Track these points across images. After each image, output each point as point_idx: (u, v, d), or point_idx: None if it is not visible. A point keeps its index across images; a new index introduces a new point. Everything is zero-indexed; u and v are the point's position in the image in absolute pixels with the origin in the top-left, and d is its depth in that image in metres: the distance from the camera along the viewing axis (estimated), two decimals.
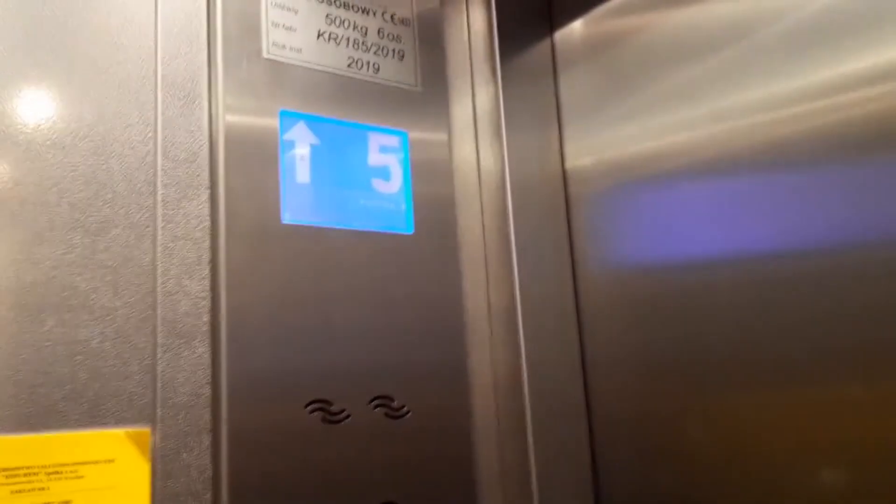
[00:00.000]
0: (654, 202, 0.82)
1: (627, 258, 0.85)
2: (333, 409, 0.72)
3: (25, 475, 0.58)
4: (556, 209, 0.92)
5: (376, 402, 0.75)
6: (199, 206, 0.70)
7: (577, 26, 0.94)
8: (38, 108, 0.64)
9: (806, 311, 0.67)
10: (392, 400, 0.76)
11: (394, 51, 0.85)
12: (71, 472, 0.60)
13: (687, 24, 0.79)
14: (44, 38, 0.66)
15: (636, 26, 0.85)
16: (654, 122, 0.82)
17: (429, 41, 0.88)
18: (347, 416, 0.73)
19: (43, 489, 0.59)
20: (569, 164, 0.93)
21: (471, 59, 0.92)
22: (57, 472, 0.60)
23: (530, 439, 0.83)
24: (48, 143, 0.64)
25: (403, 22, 0.86)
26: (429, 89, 0.86)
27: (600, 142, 0.89)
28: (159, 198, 0.68)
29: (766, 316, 0.70)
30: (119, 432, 0.62)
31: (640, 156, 0.84)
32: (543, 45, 0.96)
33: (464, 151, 0.89)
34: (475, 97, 0.91)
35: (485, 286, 0.86)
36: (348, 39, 0.82)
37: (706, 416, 0.76)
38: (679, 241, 0.79)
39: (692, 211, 0.78)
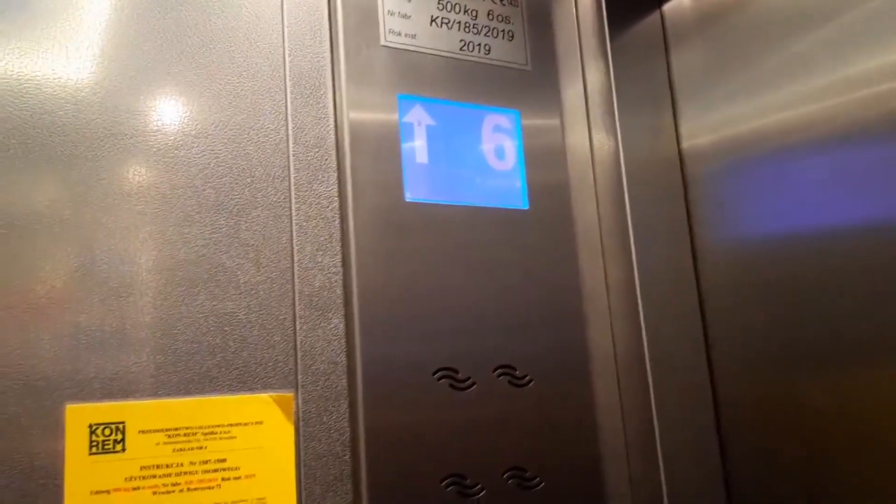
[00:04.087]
0: (774, 179, 0.80)
1: (749, 236, 0.83)
2: (460, 376, 0.74)
3: (185, 435, 0.64)
4: (673, 189, 0.91)
5: (500, 370, 0.77)
6: (329, 188, 0.74)
7: None
8: (184, 101, 0.70)
9: None
10: (515, 369, 0.77)
11: (504, 31, 0.87)
12: (225, 432, 0.65)
13: None
14: (187, 38, 0.72)
15: None
16: (772, 95, 0.80)
17: (537, 20, 0.89)
18: (473, 384, 0.75)
19: (201, 448, 0.64)
20: (685, 143, 0.91)
21: (579, 36, 0.93)
22: (213, 433, 0.65)
23: (654, 412, 0.83)
24: (193, 133, 0.70)
25: (512, 3, 0.88)
26: (539, 68, 0.88)
27: (716, 119, 0.87)
28: (292, 181, 0.73)
29: None
30: (266, 397, 0.67)
31: (758, 132, 0.82)
32: (653, 20, 0.95)
33: (576, 131, 0.90)
34: (585, 75, 0.92)
35: (601, 261, 0.87)
36: (460, 23, 0.84)
37: (835, 393, 0.73)
38: (802, 216, 0.76)
39: (815, 187, 0.75)
